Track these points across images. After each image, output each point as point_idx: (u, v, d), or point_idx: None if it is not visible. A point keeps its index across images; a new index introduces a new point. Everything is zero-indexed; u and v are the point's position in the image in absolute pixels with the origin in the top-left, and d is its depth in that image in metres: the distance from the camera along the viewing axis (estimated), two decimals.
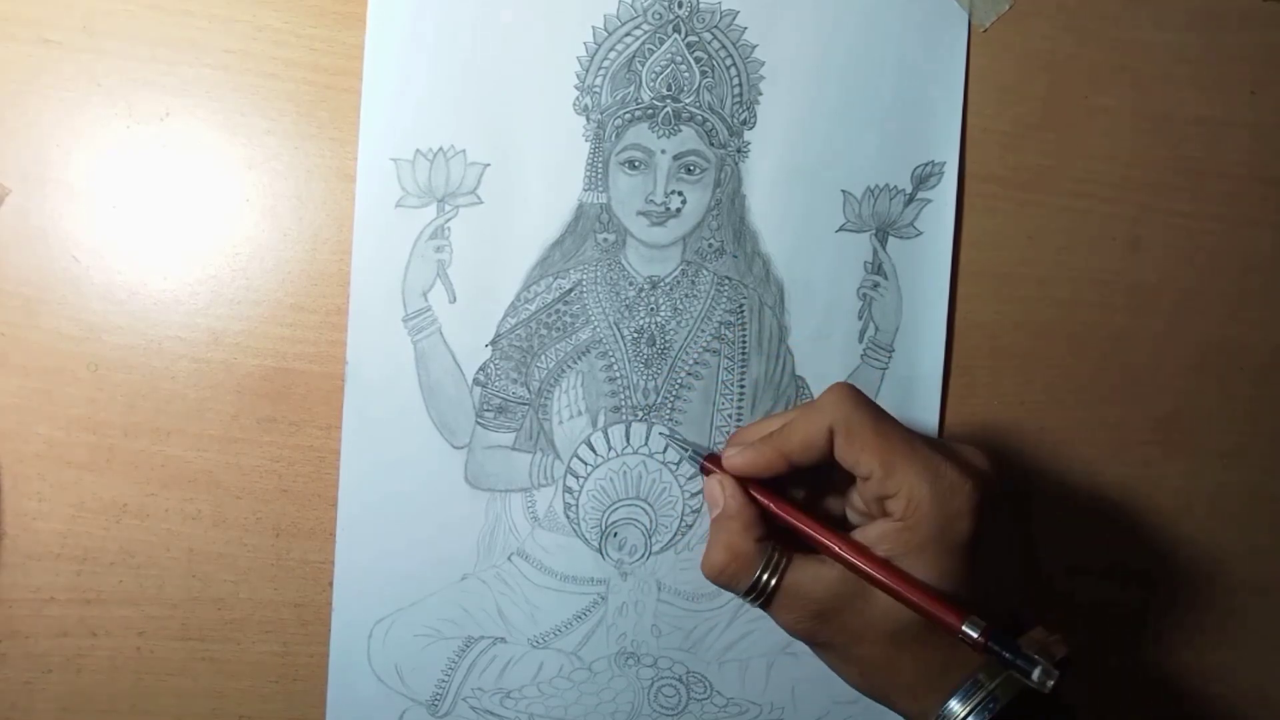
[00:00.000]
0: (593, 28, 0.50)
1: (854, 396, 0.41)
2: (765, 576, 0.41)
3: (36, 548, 0.48)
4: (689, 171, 0.51)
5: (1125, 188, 0.55)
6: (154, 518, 0.49)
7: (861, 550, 0.40)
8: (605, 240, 0.51)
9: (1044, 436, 0.55)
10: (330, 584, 0.50)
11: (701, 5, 0.51)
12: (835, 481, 0.44)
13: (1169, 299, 0.56)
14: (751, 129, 0.52)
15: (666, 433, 0.52)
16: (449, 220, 0.50)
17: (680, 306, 0.52)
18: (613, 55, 0.51)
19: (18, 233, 0.48)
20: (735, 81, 0.51)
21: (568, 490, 0.52)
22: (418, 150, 0.49)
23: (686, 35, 0.51)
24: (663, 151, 0.51)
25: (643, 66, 0.51)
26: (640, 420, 0.52)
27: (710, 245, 0.52)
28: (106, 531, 0.49)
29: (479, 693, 0.51)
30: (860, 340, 0.53)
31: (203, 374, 0.49)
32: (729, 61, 0.51)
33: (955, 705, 0.38)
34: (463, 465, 0.51)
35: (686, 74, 0.51)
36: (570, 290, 0.51)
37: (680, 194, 0.51)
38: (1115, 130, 0.55)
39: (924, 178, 0.53)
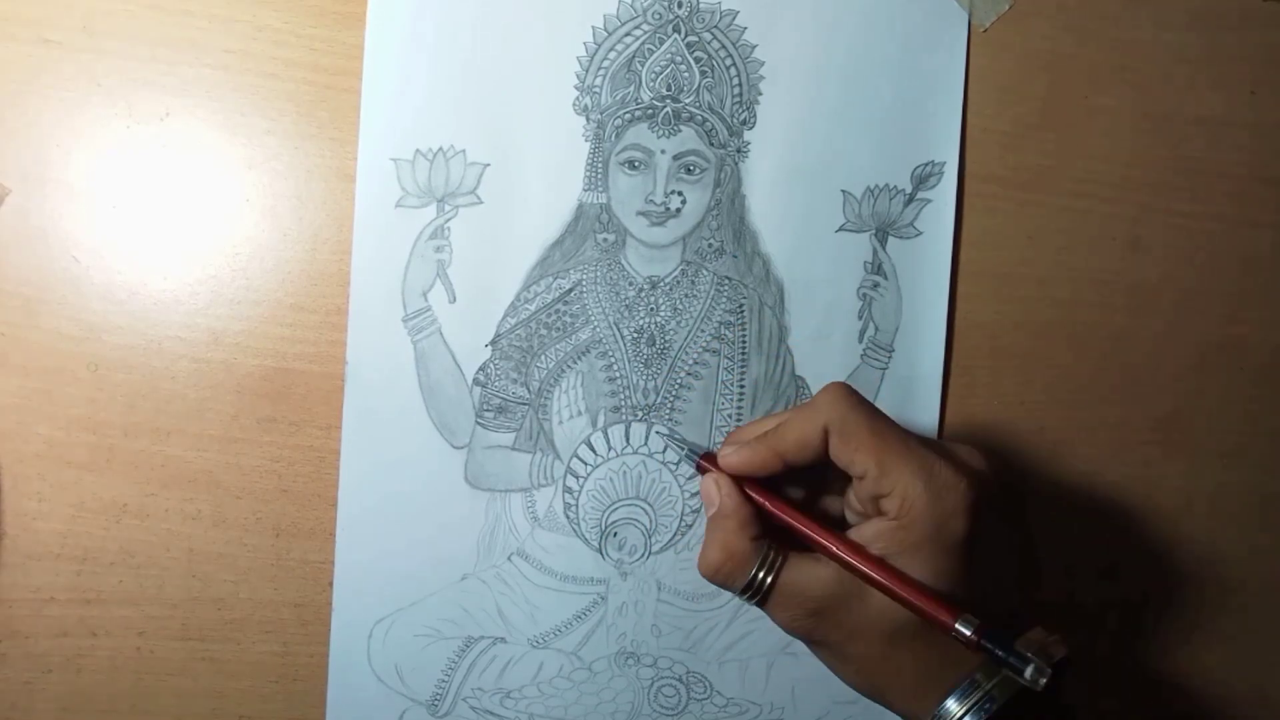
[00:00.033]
0: (593, 28, 0.50)
1: (849, 396, 0.41)
2: (761, 575, 0.41)
3: (36, 548, 0.49)
4: (689, 171, 0.51)
5: (1125, 188, 0.55)
6: (154, 518, 0.49)
7: (856, 549, 0.40)
8: (605, 240, 0.51)
9: (1044, 436, 0.55)
10: (330, 584, 0.50)
11: (701, 5, 0.51)
12: (832, 481, 0.44)
13: (1169, 299, 0.56)
14: (751, 129, 0.52)
15: (665, 432, 0.52)
16: (449, 220, 0.50)
17: (680, 306, 0.52)
18: (613, 55, 0.51)
19: (18, 233, 0.48)
20: (735, 81, 0.51)
21: (568, 490, 0.52)
22: (418, 150, 0.49)
23: (686, 35, 0.51)
24: (662, 151, 0.51)
25: (642, 66, 0.51)
26: (640, 420, 0.52)
27: (710, 245, 0.52)
28: (106, 531, 0.49)
29: (479, 693, 0.51)
30: (860, 340, 0.53)
31: (203, 374, 0.49)
32: (729, 61, 0.51)
33: (952, 704, 0.38)
34: (463, 465, 0.51)
35: (686, 74, 0.51)
36: (570, 290, 0.51)
37: (680, 194, 0.51)
38: (1115, 130, 0.55)
39: (924, 178, 0.53)
